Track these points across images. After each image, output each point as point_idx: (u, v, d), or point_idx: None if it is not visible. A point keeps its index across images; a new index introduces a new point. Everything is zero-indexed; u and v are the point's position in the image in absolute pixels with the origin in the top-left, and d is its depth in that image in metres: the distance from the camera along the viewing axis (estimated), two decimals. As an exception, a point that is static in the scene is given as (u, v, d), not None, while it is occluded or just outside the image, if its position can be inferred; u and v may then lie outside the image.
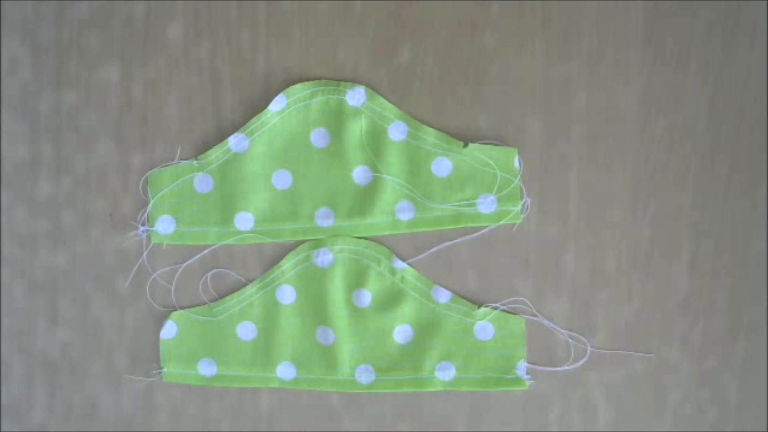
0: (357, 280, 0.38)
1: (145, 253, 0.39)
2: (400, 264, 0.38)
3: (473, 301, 0.38)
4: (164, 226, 0.39)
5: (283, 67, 0.38)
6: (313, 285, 0.38)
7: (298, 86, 0.38)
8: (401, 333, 0.38)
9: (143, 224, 0.39)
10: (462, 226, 0.38)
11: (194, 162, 0.39)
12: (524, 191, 0.38)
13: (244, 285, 0.39)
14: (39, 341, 0.40)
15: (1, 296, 0.40)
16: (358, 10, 0.38)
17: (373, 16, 0.38)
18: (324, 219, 0.38)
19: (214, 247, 0.39)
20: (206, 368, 0.39)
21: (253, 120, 0.38)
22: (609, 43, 0.37)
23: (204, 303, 0.39)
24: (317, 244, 0.38)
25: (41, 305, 0.40)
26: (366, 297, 0.38)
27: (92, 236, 0.39)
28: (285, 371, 0.39)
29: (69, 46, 0.39)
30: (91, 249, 0.39)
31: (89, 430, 0.40)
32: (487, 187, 0.38)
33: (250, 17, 0.38)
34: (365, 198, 0.38)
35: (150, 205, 0.39)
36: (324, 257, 0.38)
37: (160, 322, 0.39)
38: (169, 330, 0.39)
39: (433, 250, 0.38)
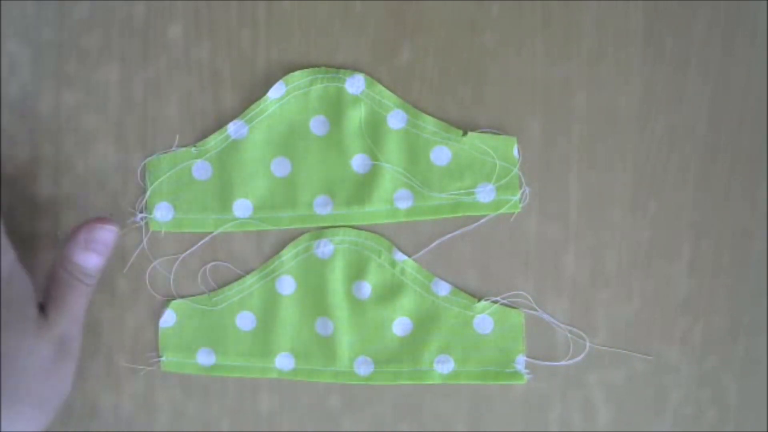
0: (357, 271, 0.38)
1: (144, 240, 0.39)
2: (400, 256, 0.38)
3: (473, 296, 0.38)
4: (162, 213, 0.39)
5: (283, 68, 0.38)
6: (313, 276, 0.38)
7: (297, 73, 0.38)
8: (400, 325, 0.38)
9: (141, 211, 0.39)
10: (461, 215, 0.38)
11: (193, 149, 0.39)
12: (523, 180, 0.38)
13: (243, 276, 0.39)
14: (39, 341, 0.40)
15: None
16: (358, 10, 0.38)
17: (373, 16, 0.38)
18: (322, 207, 0.38)
19: (212, 234, 0.39)
20: (205, 358, 0.39)
21: (252, 107, 0.38)
22: (609, 43, 0.37)
23: (203, 293, 0.39)
24: (318, 234, 0.38)
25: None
26: (366, 289, 0.38)
27: (92, 236, 0.39)
28: (284, 362, 0.39)
29: (69, 46, 0.39)
30: (91, 249, 0.39)
31: (89, 430, 0.40)
32: (486, 175, 0.38)
33: (250, 17, 0.38)
34: (364, 186, 0.38)
35: (148, 192, 0.39)
36: (325, 248, 0.38)
37: (159, 328, 0.39)
38: (168, 319, 0.39)
39: (434, 244, 0.38)
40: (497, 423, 0.39)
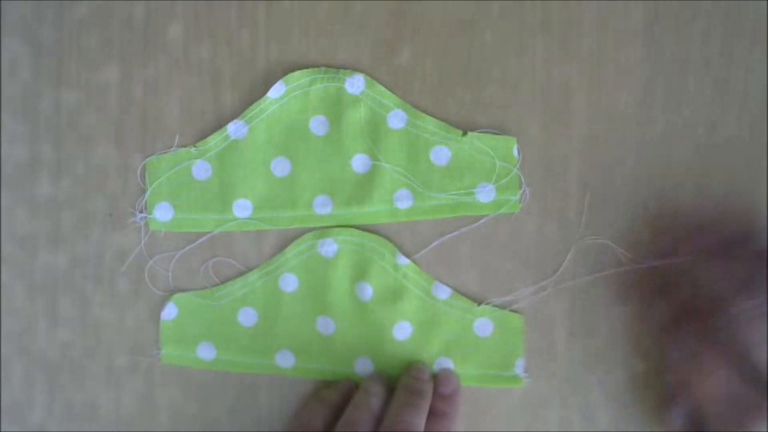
0: (360, 273, 0.38)
1: (144, 240, 0.39)
2: (403, 260, 0.38)
3: (473, 299, 0.38)
4: (162, 213, 0.39)
5: (283, 68, 0.38)
6: (316, 274, 0.38)
7: (297, 73, 0.38)
8: (400, 329, 0.38)
9: (141, 211, 0.39)
10: (461, 215, 0.38)
11: (192, 149, 0.39)
12: (523, 180, 0.37)
13: (246, 272, 0.39)
14: (39, 341, 0.40)
15: (1, 296, 0.40)
16: (358, 10, 0.38)
17: (373, 16, 0.38)
18: (322, 207, 0.38)
19: (212, 234, 0.39)
20: (205, 352, 0.39)
21: (252, 107, 0.38)
22: (609, 43, 0.37)
23: (205, 287, 0.39)
24: (322, 234, 0.38)
25: (41, 305, 0.40)
26: (368, 291, 0.38)
27: (92, 236, 0.39)
28: (284, 359, 0.39)
29: (69, 46, 0.39)
30: (91, 249, 0.39)
31: (89, 430, 0.40)
32: (485, 176, 0.37)
33: (250, 17, 0.38)
34: (364, 186, 0.38)
35: (148, 192, 0.39)
36: (329, 247, 0.38)
37: (160, 321, 0.39)
38: (169, 312, 0.39)
39: (434, 244, 0.38)
40: (497, 423, 0.39)
